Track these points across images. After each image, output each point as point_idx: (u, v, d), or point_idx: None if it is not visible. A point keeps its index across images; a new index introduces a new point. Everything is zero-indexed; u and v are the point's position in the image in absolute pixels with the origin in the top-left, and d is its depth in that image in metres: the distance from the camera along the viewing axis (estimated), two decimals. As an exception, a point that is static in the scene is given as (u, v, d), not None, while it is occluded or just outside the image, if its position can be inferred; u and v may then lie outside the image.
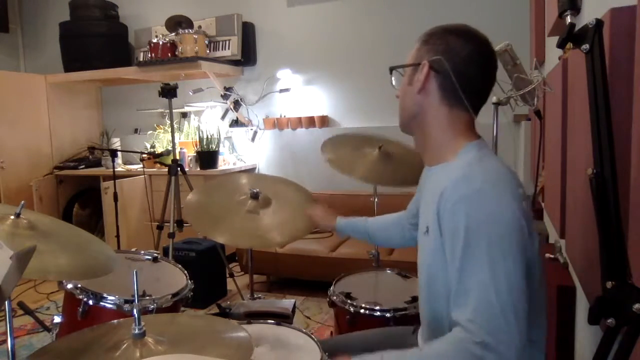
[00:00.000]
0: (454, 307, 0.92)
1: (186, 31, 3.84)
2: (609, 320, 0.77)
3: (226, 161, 4.11)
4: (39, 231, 1.21)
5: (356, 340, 1.37)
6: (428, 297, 1.09)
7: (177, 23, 3.97)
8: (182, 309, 1.68)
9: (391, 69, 1.15)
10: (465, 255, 0.90)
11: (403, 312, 1.59)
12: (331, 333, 1.87)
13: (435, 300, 1.05)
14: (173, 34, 3.90)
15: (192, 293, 1.68)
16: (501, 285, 0.87)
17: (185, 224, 3.15)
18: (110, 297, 1.50)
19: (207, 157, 3.90)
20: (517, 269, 0.88)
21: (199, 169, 3.92)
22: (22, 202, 1.23)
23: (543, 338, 1.02)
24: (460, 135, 1.05)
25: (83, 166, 4.36)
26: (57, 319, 1.57)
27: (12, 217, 1.20)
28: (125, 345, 0.94)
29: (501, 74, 1.33)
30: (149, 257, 1.86)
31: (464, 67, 1.02)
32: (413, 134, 1.14)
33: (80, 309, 1.48)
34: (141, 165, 3.90)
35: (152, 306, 1.53)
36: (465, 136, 1.06)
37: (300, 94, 4.05)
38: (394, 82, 1.15)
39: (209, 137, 3.94)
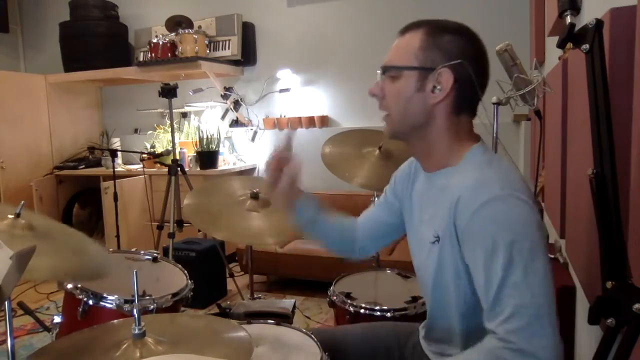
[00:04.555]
0: (489, 315, 0.88)
1: (186, 31, 3.84)
2: (609, 320, 0.77)
3: (226, 161, 4.11)
4: (36, 232, 1.21)
5: (357, 333, 1.36)
6: (436, 305, 1.08)
7: (177, 23, 3.97)
8: (182, 309, 1.68)
9: (389, 67, 1.02)
10: (494, 262, 0.86)
11: (403, 312, 1.59)
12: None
13: (444, 309, 1.04)
14: (173, 34, 3.90)
15: (192, 293, 1.68)
16: (535, 288, 0.84)
17: (185, 224, 3.15)
18: (110, 297, 1.50)
19: (207, 157, 3.90)
20: (546, 269, 0.86)
21: (199, 169, 3.92)
22: (22, 202, 1.22)
23: None
24: (464, 138, 1.01)
25: (83, 166, 4.36)
26: (57, 319, 1.58)
27: (10, 216, 1.20)
28: (125, 345, 0.94)
29: (501, 74, 1.34)
30: (149, 257, 1.86)
31: (479, 69, 0.98)
32: (409, 141, 1.06)
33: (80, 309, 1.48)
34: (141, 165, 3.90)
35: (152, 306, 1.53)
36: (468, 138, 1.02)
37: (300, 94, 4.05)
38: (379, 82, 1.04)
39: (209, 137, 3.94)
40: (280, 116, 4.10)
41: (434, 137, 1.01)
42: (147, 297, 1.55)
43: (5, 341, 1.19)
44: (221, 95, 4.18)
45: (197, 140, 3.98)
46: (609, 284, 0.77)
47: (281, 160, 1.19)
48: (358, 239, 1.30)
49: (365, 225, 1.31)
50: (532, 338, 0.83)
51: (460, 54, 0.96)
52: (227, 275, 3.27)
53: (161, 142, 4.34)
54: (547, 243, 0.98)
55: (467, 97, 0.99)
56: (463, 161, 0.99)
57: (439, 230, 0.99)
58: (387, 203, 1.27)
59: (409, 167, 1.21)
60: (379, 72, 1.05)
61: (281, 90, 4.09)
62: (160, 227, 3.11)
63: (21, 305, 2.03)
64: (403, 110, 1.01)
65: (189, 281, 1.71)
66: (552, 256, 1.49)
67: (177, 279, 1.73)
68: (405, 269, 1.92)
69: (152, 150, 4.22)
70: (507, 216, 0.88)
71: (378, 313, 1.59)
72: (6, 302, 1.00)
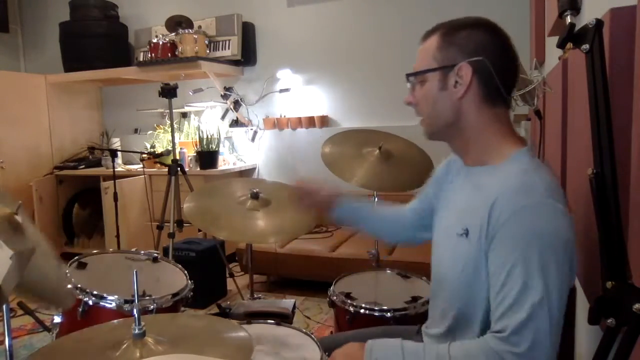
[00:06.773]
0: (499, 316, 0.90)
1: (186, 31, 3.84)
2: (609, 320, 0.77)
3: (226, 161, 4.11)
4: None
5: (357, 338, 1.36)
6: (455, 300, 1.05)
7: (177, 23, 3.98)
8: (182, 309, 1.68)
9: (411, 75, 1.06)
10: (520, 267, 0.87)
11: (403, 312, 1.59)
12: (331, 333, 1.87)
13: (465, 305, 1.02)
14: (173, 34, 3.90)
15: (192, 293, 1.68)
16: (552, 301, 0.86)
17: (185, 224, 3.14)
18: (110, 297, 1.50)
19: (207, 157, 3.90)
20: (565, 285, 0.88)
21: (199, 169, 3.92)
22: (19, 202, 1.22)
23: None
24: (507, 135, 1.02)
25: (83, 166, 4.36)
26: (57, 319, 1.58)
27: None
28: (125, 345, 0.94)
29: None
30: (149, 257, 1.86)
31: (501, 62, 0.99)
32: (447, 139, 1.08)
33: (80, 309, 1.49)
34: (141, 165, 3.90)
35: (152, 306, 1.53)
36: (511, 137, 1.02)
37: (300, 94, 4.05)
38: (409, 88, 1.08)
39: (209, 137, 3.94)
40: (280, 116, 4.10)
41: (469, 131, 1.03)
42: (147, 297, 1.55)
43: (4, 341, 1.20)
44: (221, 95, 4.18)
45: (197, 140, 3.98)
46: (609, 284, 0.77)
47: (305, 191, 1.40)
48: (406, 227, 1.38)
49: (410, 214, 1.37)
50: (536, 347, 0.86)
51: (478, 46, 0.99)
52: (227, 275, 3.27)
53: (161, 142, 4.34)
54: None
55: (492, 87, 1.00)
56: (507, 161, 0.99)
57: (469, 225, 0.99)
58: (427, 195, 1.30)
59: (447, 164, 1.23)
60: (407, 83, 1.09)
61: (281, 90, 4.09)
62: (160, 227, 3.11)
63: (21, 305, 2.03)
64: (433, 111, 1.05)
65: (189, 281, 1.71)
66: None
67: (177, 279, 1.73)
68: (405, 269, 1.92)
69: (152, 150, 4.22)
70: (543, 224, 0.88)
71: (378, 313, 1.59)
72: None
